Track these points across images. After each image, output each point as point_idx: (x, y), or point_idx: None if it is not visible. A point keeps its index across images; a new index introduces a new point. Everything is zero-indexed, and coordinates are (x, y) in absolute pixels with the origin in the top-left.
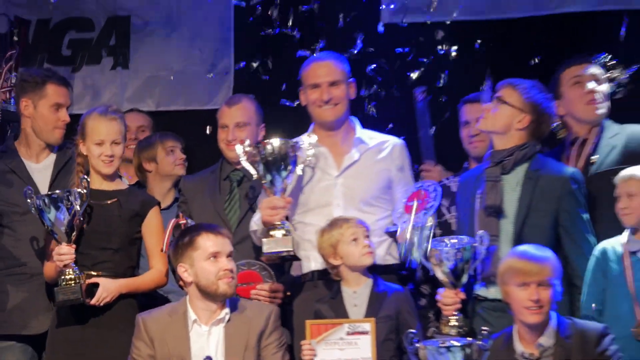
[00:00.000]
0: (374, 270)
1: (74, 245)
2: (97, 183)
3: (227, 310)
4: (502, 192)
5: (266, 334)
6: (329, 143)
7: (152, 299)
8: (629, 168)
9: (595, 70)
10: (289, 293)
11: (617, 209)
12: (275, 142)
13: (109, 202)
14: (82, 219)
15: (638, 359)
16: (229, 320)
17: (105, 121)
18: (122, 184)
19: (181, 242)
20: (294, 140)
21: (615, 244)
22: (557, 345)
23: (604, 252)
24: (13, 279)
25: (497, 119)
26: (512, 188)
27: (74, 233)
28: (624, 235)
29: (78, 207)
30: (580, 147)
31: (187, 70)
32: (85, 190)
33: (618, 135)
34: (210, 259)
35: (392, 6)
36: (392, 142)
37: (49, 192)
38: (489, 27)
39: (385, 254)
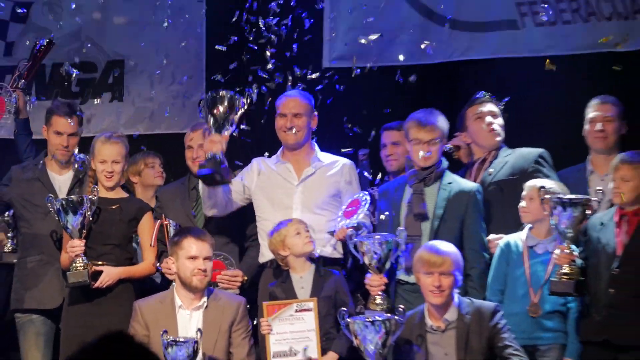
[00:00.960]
0: (324, 262)
1: (83, 240)
2: (103, 192)
3: (205, 298)
4: (425, 201)
5: (236, 322)
6: (292, 160)
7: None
8: (537, 179)
9: (492, 107)
10: (246, 278)
11: (519, 208)
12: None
13: (112, 207)
14: (91, 219)
15: (531, 330)
16: (206, 307)
17: (108, 144)
18: (122, 193)
19: (173, 240)
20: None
21: (516, 238)
22: (459, 319)
23: (507, 245)
24: (33, 265)
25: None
26: (431, 198)
27: (84, 230)
28: (524, 232)
29: (88, 210)
30: (480, 164)
31: (168, 102)
32: (94, 197)
33: (510, 155)
34: (189, 258)
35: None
36: (342, 162)
37: (66, 197)
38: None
39: (332, 250)
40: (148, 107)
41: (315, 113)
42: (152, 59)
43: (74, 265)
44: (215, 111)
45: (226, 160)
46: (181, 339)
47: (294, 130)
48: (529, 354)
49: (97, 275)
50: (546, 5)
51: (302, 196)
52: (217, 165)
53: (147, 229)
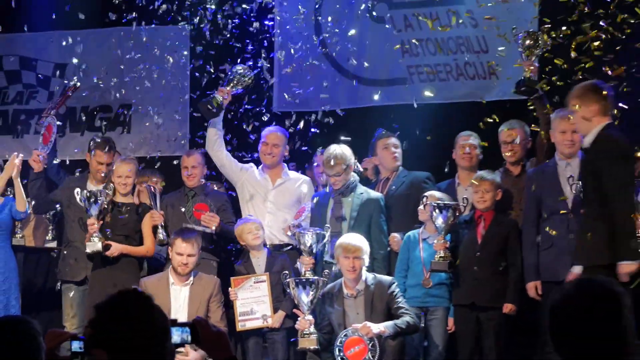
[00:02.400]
0: (282, 247)
1: (100, 222)
2: (119, 198)
3: (191, 278)
4: (343, 208)
5: (213, 295)
6: (269, 173)
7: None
8: (434, 192)
9: (395, 140)
10: (219, 222)
11: (418, 210)
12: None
13: (124, 209)
14: (106, 207)
15: (423, 297)
16: (192, 284)
17: (123, 164)
18: (133, 199)
19: (172, 236)
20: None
21: (415, 232)
22: (366, 289)
23: (408, 237)
24: (68, 249)
25: (343, 181)
26: (348, 205)
27: (101, 215)
28: (421, 228)
29: (105, 201)
30: (386, 181)
31: (164, 134)
32: (109, 191)
33: (406, 176)
34: (177, 254)
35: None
36: (304, 179)
37: (89, 190)
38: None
39: (289, 238)
40: (149, 137)
41: (287, 146)
42: (153, 103)
43: (91, 239)
44: (231, 84)
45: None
46: None
47: (272, 155)
48: (423, 314)
49: (107, 248)
50: (427, 67)
51: (274, 198)
52: (219, 106)
53: (147, 224)
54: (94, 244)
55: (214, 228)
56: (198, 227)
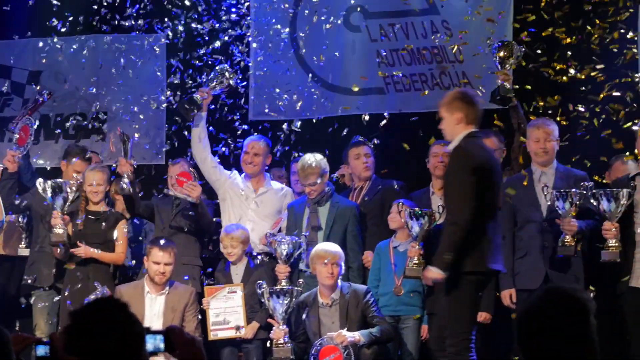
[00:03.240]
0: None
1: (66, 216)
2: (91, 206)
3: (167, 287)
4: (319, 217)
5: (188, 305)
6: (252, 181)
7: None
8: (401, 199)
9: (367, 150)
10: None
11: (388, 219)
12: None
13: (96, 217)
14: (71, 199)
15: (395, 305)
16: (168, 293)
17: (93, 172)
18: (105, 207)
19: (148, 246)
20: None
21: (386, 242)
22: (341, 297)
23: (379, 247)
24: (37, 254)
25: (320, 188)
26: (323, 214)
27: (65, 205)
28: (392, 237)
29: (70, 191)
30: (359, 191)
31: (139, 143)
32: (75, 182)
33: (380, 185)
34: (154, 263)
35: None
36: (286, 189)
37: (52, 180)
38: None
39: (269, 248)
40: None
41: (269, 153)
42: (128, 112)
43: (54, 229)
44: (212, 84)
45: (203, 107)
46: None
47: (253, 164)
48: (394, 322)
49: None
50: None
51: (255, 205)
52: (198, 106)
53: (120, 233)
54: (58, 234)
55: (195, 197)
56: (180, 195)
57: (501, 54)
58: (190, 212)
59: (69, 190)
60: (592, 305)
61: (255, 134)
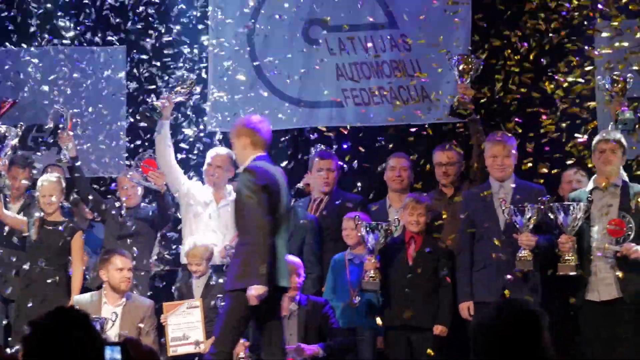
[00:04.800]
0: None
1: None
2: (47, 216)
3: (124, 299)
4: None
5: (146, 318)
6: (214, 194)
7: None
8: (353, 212)
9: (329, 164)
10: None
11: (344, 234)
12: None
13: (52, 227)
14: (10, 152)
15: (351, 317)
16: (125, 305)
17: (44, 184)
18: (61, 217)
19: (103, 257)
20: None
21: (341, 254)
22: (300, 310)
23: (335, 259)
24: None
25: None
26: None
27: (6, 155)
28: (348, 250)
29: (14, 136)
30: (319, 202)
31: (98, 155)
32: (19, 131)
33: (340, 199)
34: (118, 270)
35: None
36: None
37: None
38: None
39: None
40: (81, 157)
41: (233, 166)
42: (85, 123)
43: None
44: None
45: (166, 115)
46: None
47: (215, 176)
48: (351, 333)
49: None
50: (363, 91)
51: (217, 219)
52: (159, 114)
53: (76, 246)
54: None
55: (160, 184)
56: (144, 183)
57: (461, 67)
58: (149, 212)
59: (13, 135)
60: (545, 319)
61: (217, 145)
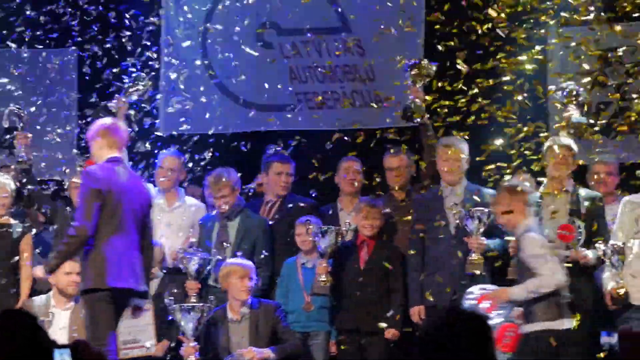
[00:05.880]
0: (177, 271)
1: None
2: None
3: (72, 302)
4: (229, 232)
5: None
6: (166, 197)
7: None
8: (305, 216)
9: (288, 168)
10: None
11: (296, 236)
12: None
13: (1, 230)
14: None
15: (305, 321)
16: (73, 309)
17: None
18: (11, 219)
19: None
20: None
21: (293, 259)
22: (251, 313)
23: (287, 263)
24: None
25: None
26: (233, 228)
27: None
28: (300, 253)
29: None
30: (272, 206)
31: (49, 159)
32: None
33: (291, 205)
34: (66, 274)
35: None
36: (200, 204)
37: None
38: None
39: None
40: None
41: (186, 168)
42: (35, 127)
43: None
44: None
45: (119, 116)
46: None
47: (166, 179)
48: (304, 338)
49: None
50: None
51: (169, 222)
52: (111, 113)
53: (26, 248)
54: None
55: None
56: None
57: (413, 72)
58: None
59: None
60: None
61: (169, 148)
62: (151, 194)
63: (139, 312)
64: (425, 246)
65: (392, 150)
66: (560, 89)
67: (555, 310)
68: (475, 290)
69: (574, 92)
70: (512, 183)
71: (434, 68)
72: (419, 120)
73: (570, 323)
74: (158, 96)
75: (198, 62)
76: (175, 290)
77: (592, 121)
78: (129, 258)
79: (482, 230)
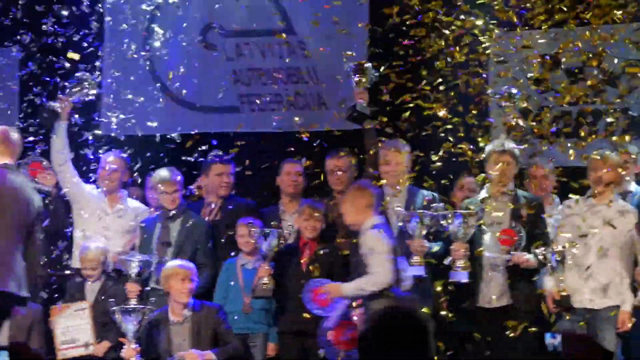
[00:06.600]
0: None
1: None
2: None
3: None
4: (170, 233)
5: (34, 323)
6: (108, 199)
7: None
8: (246, 218)
9: (230, 169)
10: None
11: (237, 238)
12: None
13: None
14: None
15: (244, 323)
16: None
17: None
18: None
19: None
20: None
21: (233, 260)
22: (193, 315)
23: (226, 265)
24: None
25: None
26: (174, 230)
27: None
28: (240, 254)
29: None
30: (212, 208)
31: None
32: None
33: (231, 206)
34: None
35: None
36: (142, 207)
37: None
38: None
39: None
40: None
41: (127, 169)
42: None
43: None
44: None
45: (63, 116)
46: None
47: (109, 180)
48: (243, 339)
49: None
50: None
51: (111, 224)
52: (55, 114)
53: None
54: None
55: (51, 185)
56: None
57: (357, 75)
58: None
59: None
60: (431, 325)
61: (112, 149)
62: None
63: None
64: None
65: (336, 152)
66: (500, 93)
67: None
68: (311, 283)
69: (515, 96)
70: (361, 182)
71: (377, 73)
72: (364, 122)
73: None
74: (101, 96)
75: (141, 62)
76: (117, 292)
77: (533, 124)
78: (10, 263)
79: (424, 233)
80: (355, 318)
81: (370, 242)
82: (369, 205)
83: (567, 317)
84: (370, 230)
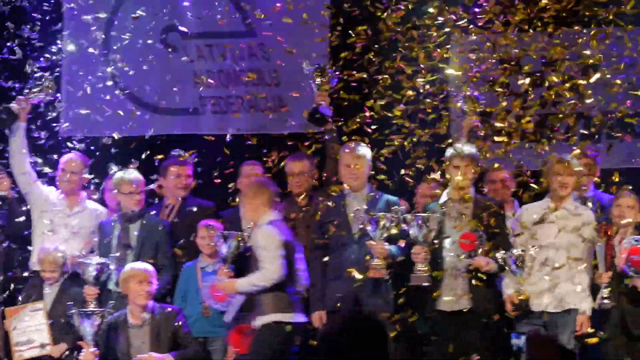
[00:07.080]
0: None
1: None
2: None
3: None
4: (130, 234)
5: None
6: (67, 201)
7: None
8: (206, 221)
9: (187, 170)
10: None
11: (197, 240)
12: None
13: None
14: None
15: (203, 326)
16: None
17: None
18: None
19: None
20: None
21: (192, 262)
22: (152, 318)
23: (185, 267)
24: None
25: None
26: (134, 229)
27: None
28: (199, 257)
29: None
30: (171, 209)
31: None
32: None
33: (192, 207)
34: None
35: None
36: (102, 209)
37: None
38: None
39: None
40: None
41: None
42: None
43: None
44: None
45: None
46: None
47: (68, 182)
48: (203, 343)
49: None
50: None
51: (70, 226)
52: (13, 114)
53: None
54: None
55: (5, 189)
56: None
57: (318, 78)
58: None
59: None
60: (391, 329)
61: (72, 151)
62: None
63: None
64: (329, 250)
65: (296, 156)
66: (459, 95)
67: (285, 302)
68: (210, 279)
69: (474, 99)
70: (261, 179)
71: (338, 75)
72: (323, 124)
73: (302, 318)
74: (60, 97)
75: (100, 63)
76: (75, 295)
77: (498, 125)
78: None
79: (385, 235)
80: (253, 323)
81: (262, 237)
82: (267, 202)
83: (525, 321)
84: (265, 226)
